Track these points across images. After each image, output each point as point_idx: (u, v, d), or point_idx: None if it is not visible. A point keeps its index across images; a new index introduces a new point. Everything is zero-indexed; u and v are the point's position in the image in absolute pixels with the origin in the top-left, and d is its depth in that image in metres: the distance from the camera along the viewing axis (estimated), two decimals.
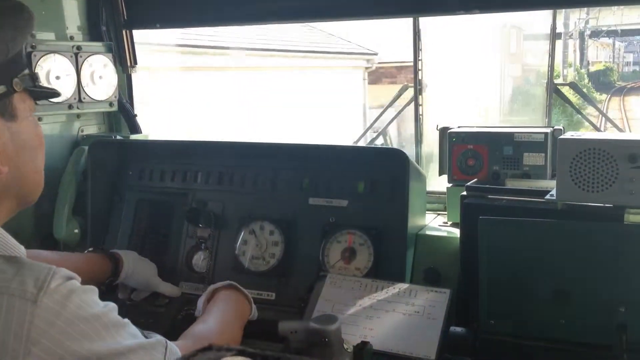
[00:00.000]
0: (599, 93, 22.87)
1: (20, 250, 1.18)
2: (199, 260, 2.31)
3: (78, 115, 2.63)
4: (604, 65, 29.32)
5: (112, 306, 1.19)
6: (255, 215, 2.26)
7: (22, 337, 1.02)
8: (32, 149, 1.26)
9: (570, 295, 1.63)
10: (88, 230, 2.44)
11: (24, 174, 1.24)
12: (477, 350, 1.73)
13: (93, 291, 1.16)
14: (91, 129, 2.73)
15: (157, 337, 1.25)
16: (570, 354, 1.64)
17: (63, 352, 1.05)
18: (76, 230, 2.46)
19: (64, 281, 1.09)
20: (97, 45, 2.63)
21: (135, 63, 2.76)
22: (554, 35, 2.42)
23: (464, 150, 2.20)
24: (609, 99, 23.46)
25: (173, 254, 2.35)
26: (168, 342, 1.26)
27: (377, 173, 2.14)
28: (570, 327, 1.63)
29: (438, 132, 2.33)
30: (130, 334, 1.18)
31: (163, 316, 2.10)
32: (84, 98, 2.54)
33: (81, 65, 2.51)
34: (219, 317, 1.63)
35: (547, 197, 1.75)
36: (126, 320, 1.21)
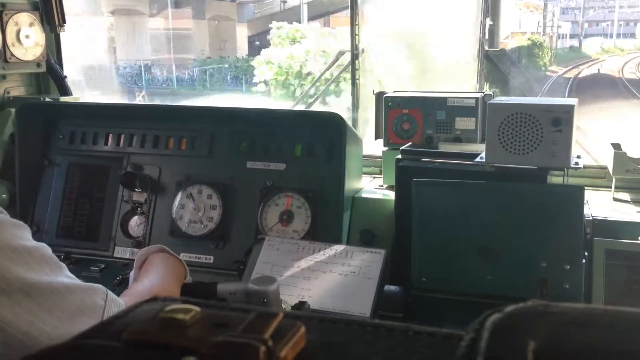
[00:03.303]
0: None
1: None
2: (135, 225, 2.29)
3: (4, 76, 2.52)
4: (529, 40, 18.18)
5: (46, 246, 1.17)
6: (193, 179, 2.25)
7: None
8: None
9: (496, 252, 1.72)
10: (17, 195, 2.37)
11: None
12: (410, 307, 1.81)
13: (25, 228, 1.15)
14: (18, 91, 2.62)
15: (96, 284, 1.24)
16: (494, 307, 1.74)
17: None
18: (4, 195, 2.38)
19: None
20: (23, 2, 2.51)
21: (64, 22, 2.65)
22: None
23: (399, 115, 2.24)
24: None
25: (108, 218, 2.31)
26: (108, 290, 1.25)
27: (315, 137, 2.16)
28: (496, 282, 1.72)
29: (374, 96, 2.37)
30: (66, 275, 1.17)
31: (98, 281, 2.07)
32: (10, 58, 2.43)
33: (6, 24, 2.40)
34: (156, 277, 1.62)
35: (477, 159, 1.82)
36: (62, 264, 1.19)
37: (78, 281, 1.19)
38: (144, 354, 0.39)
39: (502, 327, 0.34)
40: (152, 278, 1.60)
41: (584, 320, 0.33)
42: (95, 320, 1.12)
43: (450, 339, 0.39)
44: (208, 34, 22.84)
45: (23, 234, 1.13)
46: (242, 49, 23.55)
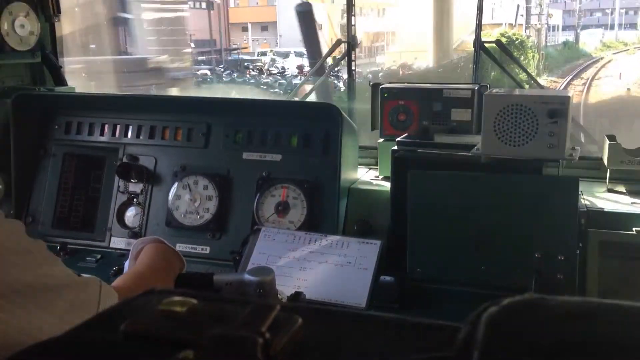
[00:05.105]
0: None
1: None
2: (131, 215, 2.28)
3: None
4: (503, 36, 11.74)
5: (42, 243, 1.17)
6: (189, 169, 2.25)
7: None
8: None
9: (491, 243, 1.73)
10: (12, 185, 2.36)
11: None
12: (405, 297, 1.82)
13: (19, 224, 1.14)
14: (13, 81, 2.60)
15: (90, 276, 1.25)
16: (488, 297, 1.75)
17: None
18: (0, 186, 2.37)
19: None
20: None
21: (59, 11, 2.63)
22: None
23: (395, 106, 2.24)
24: None
25: (104, 209, 2.31)
26: (102, 281, 1.25)
27: (311, 127, 2.16)
28: (490, 272, 1.73)
29: (370, 87, 2.37)
30: (62, 271, 1.17)
31: (94, 272, 2.08)
32: (5, 48, 2.41)
33: (0, 13, 2.38)
34: (148, 266, 1.62)
35: (473, 151, 1.82)
36: (57, 258, 1.19)
37: (72, 274, 1.19)
38: (141, 347, 0.39)
39: (499, 320, 0.34)
40: (142, 268, 1.60)
41: (580, 313, 0.33)
42: (91, 313, 1.12)
43: (447, 331, 0.39)
44: None
45: (18, 232, 1.12)
46: None
